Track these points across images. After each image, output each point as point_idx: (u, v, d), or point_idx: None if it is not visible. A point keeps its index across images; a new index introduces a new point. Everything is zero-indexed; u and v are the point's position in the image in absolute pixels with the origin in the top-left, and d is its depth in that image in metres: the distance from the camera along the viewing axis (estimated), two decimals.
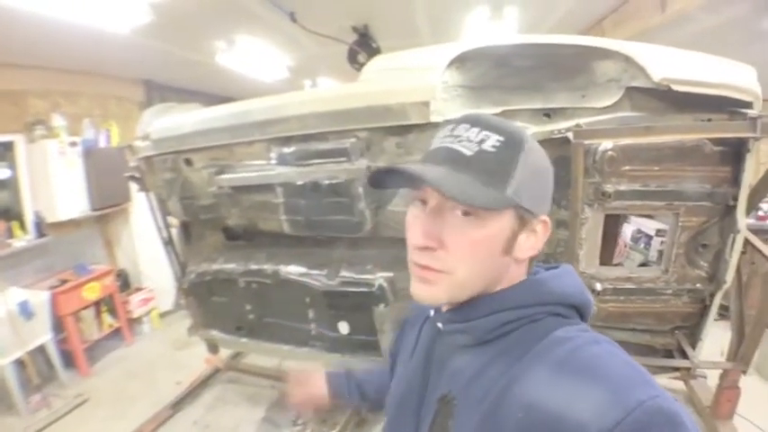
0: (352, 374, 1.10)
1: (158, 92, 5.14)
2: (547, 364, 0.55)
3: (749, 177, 1.66)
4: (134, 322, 4.42)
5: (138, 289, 4.52)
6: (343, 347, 2.27)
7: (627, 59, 1.62)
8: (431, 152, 0.63)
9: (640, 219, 4.52)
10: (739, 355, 1.93)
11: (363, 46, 3.83)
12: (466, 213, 0.59)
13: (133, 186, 2.95)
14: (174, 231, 2.74)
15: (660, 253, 4.36)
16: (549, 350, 0.57)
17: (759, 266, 2.02)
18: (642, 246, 4.61)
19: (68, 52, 3.51)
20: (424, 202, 0.63)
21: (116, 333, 4.22)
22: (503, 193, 0.58)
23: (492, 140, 0.59)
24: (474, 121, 0.61)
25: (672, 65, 1.59)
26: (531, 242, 0.63)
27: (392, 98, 1.62)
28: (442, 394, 0.65)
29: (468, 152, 0.59)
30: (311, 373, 1.09)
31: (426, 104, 1.57)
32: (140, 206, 3.88)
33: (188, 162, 2.24)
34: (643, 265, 4.41)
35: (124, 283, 4.49)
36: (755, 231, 1.94)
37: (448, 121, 0.65)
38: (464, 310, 0.65)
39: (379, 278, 2.04)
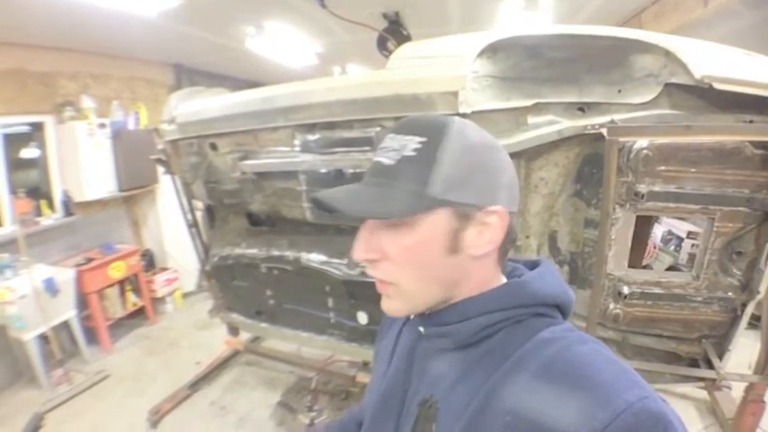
0: (347, 421, 1.01)
1: (187, 75, 5.21)
2: (533, 367, 0.54)
3: None
4: (157, 302, 4.54)
5: (163, 269, 4.64)
6: (362, 337, 2.27)
7: (667, 54, 1.54)
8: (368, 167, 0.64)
9: (672, 220, 4.38)
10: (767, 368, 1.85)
11: (393, 33, 3.78)
12: (391, 223, 0.59)
13: (160, 169, 3.01)
14: (199, 214, 2.79)
15: (690, 256, 4.22)
16: (535, 352, 0.55)
17: None
18: (672, 248, 4.46)
19: (98, 35, 3.56)
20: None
21: (139, 312, 4.34)
22: (424, 194, 0.56)
23: (413, 144, 0.58)
24: (399, 128, 0.60)
25: (714, 62, 1.51)
26: (487, 237, 0.59)
27: (420, 87, 1.59)
28: (424, 398, 0.64)
29: (389, 162, 0.58)
30: None
31: (455, 95, 1.52)
32: (167, 188, 3.96)
33: (213, 147, 2.26)
34: (672, 267, 4.29)
35: (149, 263, 4.62)
36: None
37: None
38: (443, 314, 0.63)
39: None
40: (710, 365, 1.89)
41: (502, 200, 0.60)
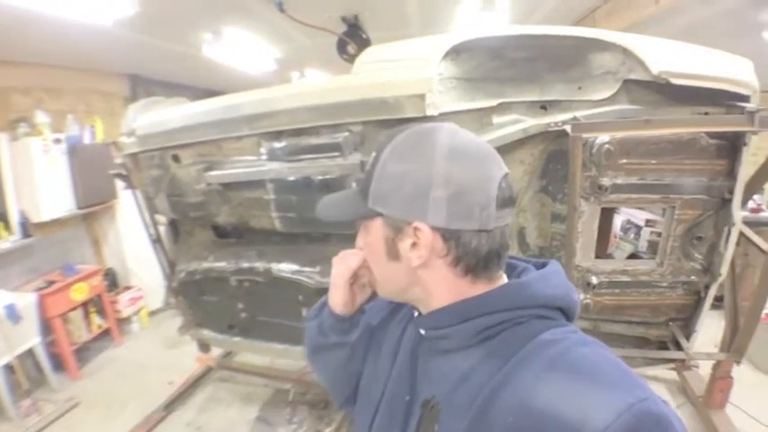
0: None
1: (144, 86, 5.04)
2: (534, 368, 0.54)
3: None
4: (123, 322, 4.35)
5: (127, 288, 4.45)
6: None
7: (625, 52, 1.60)
8: None
9: (630, 209, 4.55)
10: (733, 345, 1.94)
11: (353, 37, 3.78)
12: (361, 225, 0.68)
13: (119, 184, 2.88)
14: (162, 229, 2.68)
15: (650, 243, 4.42)
16: (536, 353, 0.56)
17: (752, 259, 2.03)
18: (632, 236, 4.65)
19: (51, 47, 3.40)
20: None
21: (105, 334, 4.15)
22: (363, 203, 0.64)
23: (372, 156, 0.65)
24: (378, 145, 0.66)
25: (670, 57, 1.57)
26: (418, 252, 0.60)
27: (387, 91, 1.58)
28: (426, 399, 0.64)
29: (362, 174, 0.67)
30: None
31: (422, 97, 1.53)
32: (127, 204, 3.80)
33: (175, 158, 2.18)
34: (633, 255, 4.46)
35: (112, 282, 4.42)
36: (748, 223, 1.94)
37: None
38: (441, 315, 0.63)
39: None
40: (679, 347, 1.97)
41: (431, 216, 0.58)
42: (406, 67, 1.60)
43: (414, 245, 0.60)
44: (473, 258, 0.60)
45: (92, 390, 3.52)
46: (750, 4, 2.42)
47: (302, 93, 1.81)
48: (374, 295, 0.80)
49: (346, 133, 1.74)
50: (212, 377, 3.53)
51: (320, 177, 1.83)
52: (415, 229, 0.59)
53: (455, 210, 0.57)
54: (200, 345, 2.94)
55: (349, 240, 2.19)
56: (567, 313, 0.63)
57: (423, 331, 0.67)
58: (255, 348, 2.52)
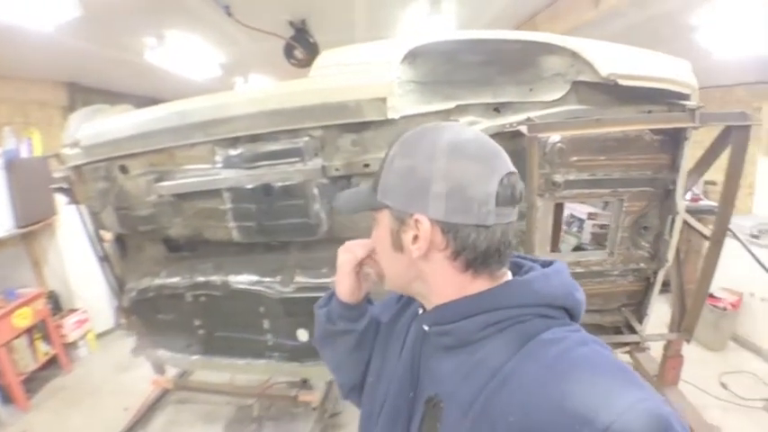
0: None
1: (83, 95, 4.76)
2: (535, 367, 0.55)
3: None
4: (69, 347, 4.04)
5: (72, 311, 4.13)
6: (304, 355, 2.18)
7: (574, 55, 1.67)
8: None
9: (572, 204, 4.77)
10: (683, 325, 2.06)
11: (300, 41, 3.76)
12: (373, 217, 0.71)
13: (60, 199, 2.68)
14: (108, 245, 2.51)
15: (593, 235, 4.65)
16: (536, 353, 0.56)
17: (694, 244, 2.17)
18: (575, 229, 4.88)
19: None
20: None
21: (52, 361, 3.85)
22: (373, 195, 0.68)
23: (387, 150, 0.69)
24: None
25: (617, 60, 1.65)
26: (419, 244, 0.63)
27: (347, 94, 1.57)
28: (429, 396, 0.65)
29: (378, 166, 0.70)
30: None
31: (383, 101, 1.53)
32: (68, 220, 3.54)
33: (123, 169, 2.05)
34: (577, 248, 4.67)
35: (55, 305, 4.09)
36: (689, 212, 2.07)
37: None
38: (444, 311, 0.65)
39: None
40: (632, 331, 2.07)
41: (432, 209, 0.60)
42: (365, 70, 1.59)
43: (415, 237, 0.63)
44: (471, 253, 0.61)
45: (43, 421, 3.27)
46: (681, 9, 2.61)
47: (259, 97, 1.75)
48: (379, 285, 0.82)
49: (306, 138, 1.70)
50: (170, 399, 3.35)
51: (280, 184, 1.78)
52: (416, 221, 0.61)
53: (453, 204, 0.59)
54: (155, 366, 2.78)
55: (309, 248, 2.14)
56: (571, 312, 0.64)
57: (426, 327, 0.68)
58: (216, 365, 2.41)
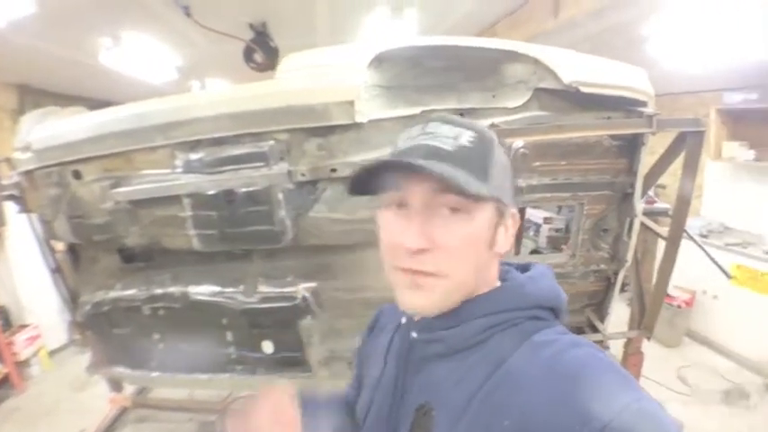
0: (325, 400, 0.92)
1: (33, 97, 4.51)
2: (529, 370, 0.55)
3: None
4: (21, 365, 3.78)
5: (22, 327, 3.87)
6: (269, 367, 2.11)
7: (536, 62, 1.70)
8: (406, 150, 0.60)
9: (528, 209, 4.91)
10: (643, 323, 2.14)
11: (261, 44, 3.70)
12: (453, 210, 0.57)
13: (10, 207, 2.50)
14: (60, 256, 2.37)
15: (549, 239, 4.79)
16: (530, 355, 0.56)
17: (650, 245, 2.27)
18: (532, 234, 5.02)
19: None
20: (400, 205, 0.60)
21: (4, 381, 3.60)
22: (484, 185, 0.57)
23: (466, 136, 0.59)
24: (444, 120, 0.61)
25: (578, 68, 1.71)
26: (507, 236, 0.64)
27: (314, 97, 1.54)
28: (419, 405, 0.63)
29: (448, 147, 0.58)
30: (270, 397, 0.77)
31: (351, 104, 1.52)
32: (18, 231, 3.32)
33: (77, 174, 1.93)
34: (535, 251, 4.81)
35: (5, 321, 3.83)
36: (646, 214, 2.16)
37: (417, 121, 0.64)
38: (442, 317, 0.62)
39: (302, 290, 1.93)
40: (595, 330, 2.13)
41: (512, 204, 0.64)
42: (332, 73, 1.57)
43: (506, 231, 0.63)
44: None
45: None
46: (634, 20, 2.74)
47: (222, 100, 1.71)
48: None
49: (271, 142, 1.66)
50: (129, 418, 3.17)
51: (243, 189, 1.72)
52: (513, 214, 0.63)
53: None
54: (112, 384, 2.63)
55: (273, 256, 2.08)
56: (556, 313, 0.65)
57: (415, 334, 0.66)
58: (177, 381, 2.31)
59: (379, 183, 0.60)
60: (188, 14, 2.95)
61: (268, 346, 2.06)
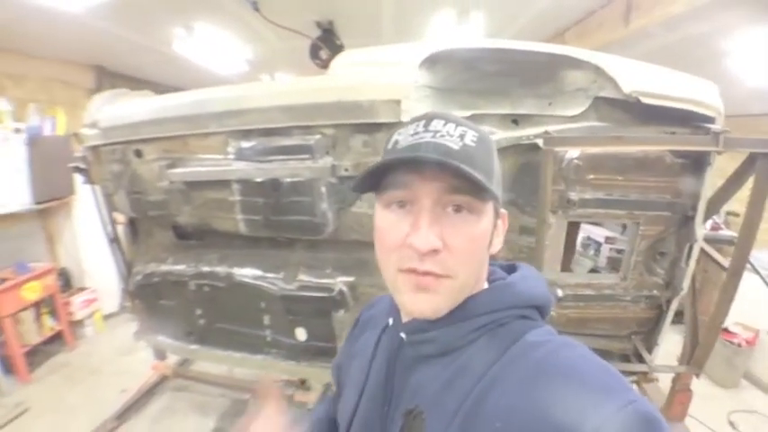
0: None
1: (109, 79, 4.87)
2: (521, 371, 0.53)
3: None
4: (76, 325, 4.13)
5: (81, 289, 4.23)
6: (300, 355, 2.16)
7: (597, 70, 1.63)
8: (412, 146, 0.57)
9: (590, 226, 4.70)
10: (694, 359, 1.98)
11: (326, 42, 3.78)
12: (458, 210, 0.56)
13: (78, 178, 2.74)
14: (121, 228, 2.55)
15: (609, 259, 4.55)
16: (522, 356, 0.55)
17: (712, 275, 2.09)
18: (592, 252, 4.78)
19: (16, 30, 3.24)
20: (402, 204, 0.58)
21: (57, 337, 3.93)
22: (491, 184, 0.56)
23: (470, 135, 0.57)
24: (447, 118, 0.59)
25: (641, 78, 1.61)
26: (499, 237, 0.64)
27: (362, 94, 1.55)
28: (408, 408, 0.61)
29: (456, 146, 0.56)
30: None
31: (398, 103, 1.51)
32: (85, 200, 3.61)
33: (138, 153, 2.08)
34: (593, 271, 4.58)
35: (66, 282, 4.19)
36: (709, 241, 2.00)
37: (415, 118, 0.61)
38: (424, 320, 0.61)
39: (339, 283, 1.96)
40: (641, 360, 2.00)
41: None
42: (382, 71, 1.58)
43: (499, 231, 0.63)
44: None
45: (42, 395, 3.32)
46: (713, 33, 2.55)
47: (275, 92, 1.76)
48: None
49: (318, 136, 1.70)
50: (168, 386, 3.37)
51: (288, 180, 1.77)
52: (503, 215, 0.63)
53: None
54: (156, 352, 2.80)
55: (315, 247, 2.13)
56: (542, 311, 0.64)
57: (404, 335, 0.65)
58: (213, 356, 2.41)
59: (384, 180, 0.58)
60: (256, 9, 3.06)
61: (301, 334, 2.11)
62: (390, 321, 0.72)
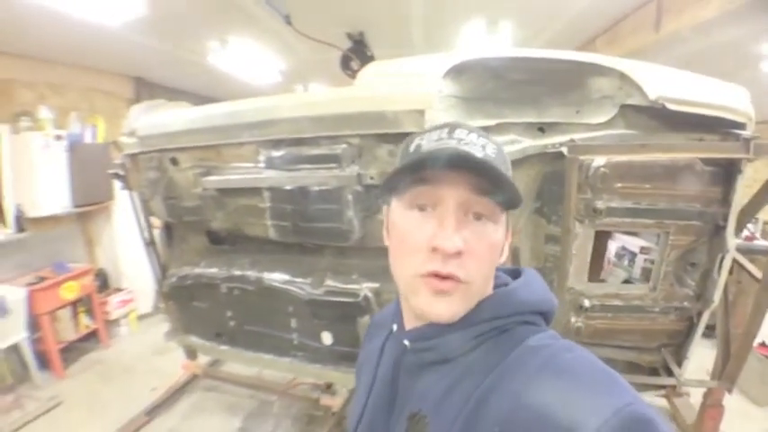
0: None
1: (147, 89, 5.08)
2: (522, 375, 0.54)
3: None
4: (111, 324, 4.31)
5: (118, 290, 4.42)
6: (326, 358, 2.21)
7: (622, 77, 1.61)
8: (437, 150, 0.58)
9: (624, 236, 4.57)
10: (725, 373, 1.92)
11: (357, 53, 3.85)
12: (478, 218, 0.58)
13: (117, 184, 2.88)
14: (157, 232, 2.67)
15: (644, 270, 4.40)
16: (523, 360, 0.56)
17: (745, 286, 2.02)
18: (626, 263, 4.65)
19: (58, 42, 3.44)
20: (423, 207, 0.59)
21: (92, 335, 4.12)
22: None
23: (491, 147, 0.60)
24: (469, 128, 0.61)
25: (667, 84, 1.59)
26: (508, 245, 0.66)
27: (387, 105, 1.58)
28: (412, 413, 0.63)
29: (479, 155, 0.58)
30: None
31: (422, 113, 1.53)
32: (123, 205, 3.79)
33: (174, 161, 2.18)
34: (627, 282, 4.45)
35: (103, 283, 4.39)
36: (742, 251, 1.94)
37: (435, 126, 0.63)
38: (435, 325, 0.62)
39: (365, 288, 1.99)
40: (670, 373, 1.95)
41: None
42: (406, 81, 1.60)
43: (508, 241, 0.65)
44: None
45: (75, 390, 3.47)
46: (748, 37, 2.47)
47: (304, 102, 1.81)
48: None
49: (345, 145, 1.74)
50: (198, 385, 3.48)
51: (316, 188, 1.82)
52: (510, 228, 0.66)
53: None
54: (187, 352, 2.90)
55: (342, 254, 2.17)
56: (546, 317, 0.65)
57: (407, 342, 0.66)
58: (242, 357, 2.48)
59: (406, 182, 0.59)
60: (288, 23, 3.15)
61: (327, 338, 2.15)
62: (394, 328, 0.73)
